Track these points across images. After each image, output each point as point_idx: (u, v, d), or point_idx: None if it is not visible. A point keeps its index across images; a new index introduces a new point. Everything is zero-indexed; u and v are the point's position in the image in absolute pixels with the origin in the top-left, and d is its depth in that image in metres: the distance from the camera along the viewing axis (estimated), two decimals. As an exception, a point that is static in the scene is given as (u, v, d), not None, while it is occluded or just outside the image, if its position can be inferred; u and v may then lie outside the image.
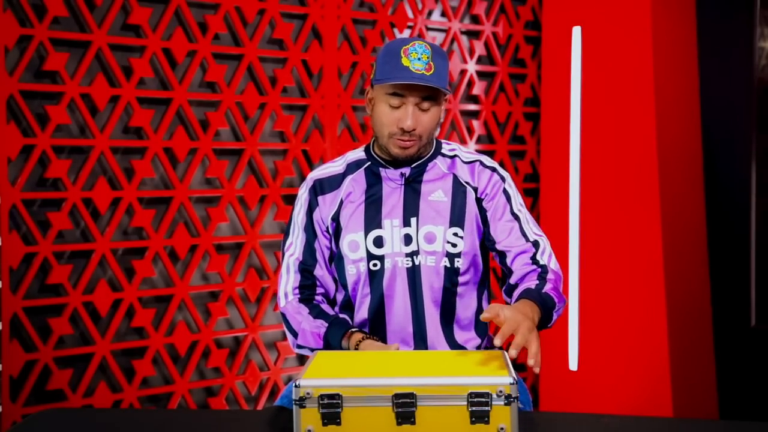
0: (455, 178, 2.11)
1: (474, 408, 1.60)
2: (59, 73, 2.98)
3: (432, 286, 2.06)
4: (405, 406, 1.60)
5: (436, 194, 2.09)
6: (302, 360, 3.53)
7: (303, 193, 2.16)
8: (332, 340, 2.02)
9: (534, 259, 2.04)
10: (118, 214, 3.08)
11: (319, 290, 2.14)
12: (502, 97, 4.01)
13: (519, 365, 4.00)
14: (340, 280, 2.13)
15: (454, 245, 2.06)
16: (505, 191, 2.10)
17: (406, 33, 3.75)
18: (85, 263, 3.05)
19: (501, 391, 1.60)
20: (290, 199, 3.46)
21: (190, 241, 3.24)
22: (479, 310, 2.12)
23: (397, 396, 1.60)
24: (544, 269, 2.01)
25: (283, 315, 2.12)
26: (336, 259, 2.12)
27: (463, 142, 3.86)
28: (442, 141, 2.18)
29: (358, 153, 2.17)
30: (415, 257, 2.06)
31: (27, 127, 2.94)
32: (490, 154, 3.92)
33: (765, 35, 3.85)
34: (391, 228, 2.07)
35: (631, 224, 3.60)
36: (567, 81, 3.79)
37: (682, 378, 3.54)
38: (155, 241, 3.16)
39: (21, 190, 2.91)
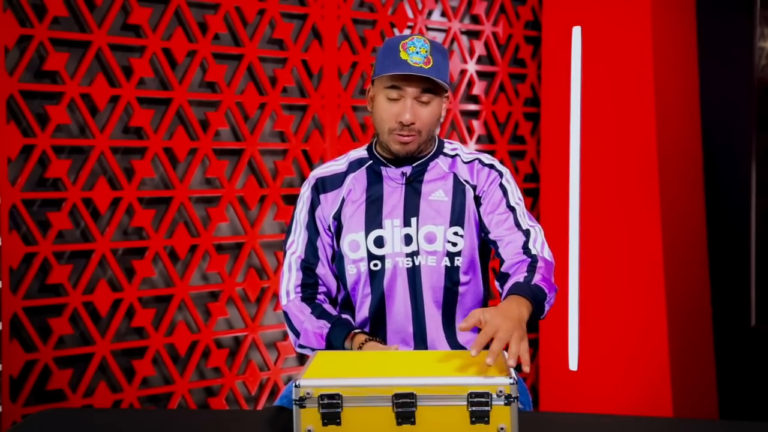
0: (455, 177, 2.11)
1: (474, 408, 1.60)
2: (59, 73, 2.98)
3: (433, 286, 2.06)
4: (405, 406, 1.60)
5: (436, 194, 2.09)
6: (302, 360, 3.53)
7: (305, 191, 2.16)
8: (335, 341, 2.02)
9: (525, 248, 2.02)
10: (118, 214, 3.08)
11: (321, 289, 2.14)
12: (502, 97, 4.01)
13: (519, 365, 4.00)
14: (340, 279, 2.13)
15: (454, 244, 2.06)
16: (501, 186, 2.09)
17: (406, 33, 3.75)
18: (85, 263, 3.05)
19: (501, 391, 1.60)
20: (290, 199, 3.46)
21: (190, 241, 3.24)
22: None
23: (397, 396, 1.60)
24: (534, 259, 1.98)
25: (285, 314, 2.12)
26: (337, 259, 2.12)
27: (463, 142, 3.86)
28: (445, 140, 2.18)
29: (361, 152, 2.17)
30: (415, 257, 2.06)
31: (27, 127, 2.94)
32: (490, 154, 3.91)
33: (765, 35, 3.85)
34: (392, 228, 2.07)
35: (631, 224, 3.60)
36: (567, 81, 3.79)
37: (682, 378, 3.54)
38: (155, 241, 3.16)
39: (21, 190, 2.91)
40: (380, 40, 3.65)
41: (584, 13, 3.76)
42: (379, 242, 2.07)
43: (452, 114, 3.85)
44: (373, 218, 2.08)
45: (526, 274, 1.93)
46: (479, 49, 3.92)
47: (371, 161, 2.13)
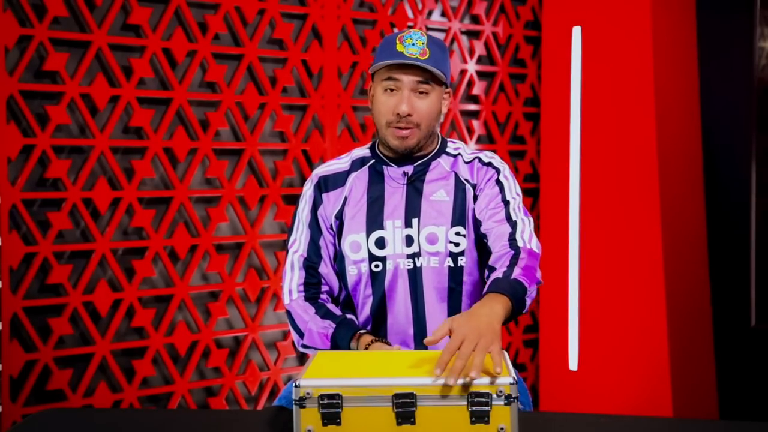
0: (457, 176, 2.10)
1: (474, 408, 1.60)
2: (59, 73, 2.98)
3: (437, 287, 2.05)
4: (405, 406, 1.60)
5: (438, 194, 2.08)
6: (302, 360, 3.53)
7: (308, 190, 2.15)
8: (341, 342, 2.01)
9: (512, 239, 1.98)
10: (118, 214, 3.08)
11: (324, 288, 2.13)
12: (502, 97, 4.01)
13: (519, 365, 4.00)
14: (341, 280, 2.12)
15: (456, 244, 2.05)
16: (498, 182, 2.07)
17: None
18: (85, 263, 3.05)
19: (501, 391, 1.60)
20: (290, 199, 3.46)
21: (190, 241, 3.24)
22: None
23: (397, 396, 1.60)
24: (517, 251, 1.94)
25: (289, 313, 2.11)
26: (338, 259, 2.12)
27: (463, 142, 3.85)
28: (448, 139, 2.17)
29: (364, 150, 2.16)
30: (416, 259, 2.05)
31: (27, 127, 2.94)
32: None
33: (765, 35, 3.85)
34: (393, 229, 2.06)
35: (631, 224, 3.60)
36: (567, 81, 3.79)
37: (682, 378, 3.54)
38: (155, 241, 3.16)
39: (21, 190, 2.91)
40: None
41: (584, 13, 3.76)
42: (380, 243, 2.06)
43: (452, 114, 3.85)
44: (374, 219, 2.07)
45: (506, 268, 1.89)
46: (479, 49, 3.92)
47: (373, 160, 2.13)
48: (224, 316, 3.33)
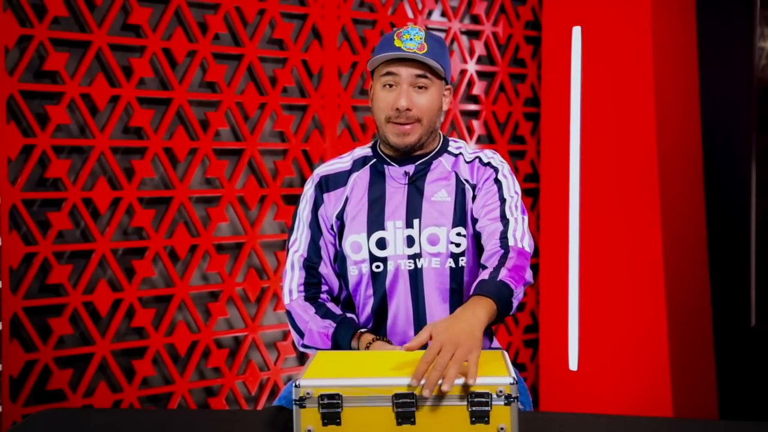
0: (457, 176, 2.09)
1: (474, 408, 1.60)
2: (59, 73, 2.98)
3: (439, 287, 2.04)
4: (405, 406, 1.60)
5: (439, 194, 2.07)
6: (302, 360, 3.53)
7: (309, 189, 2.14)
8: (341, 341, 2.01)
9: (503, 238, 1.96)
10: (118, 214, 3.08)
11: (324, 287, 2.13)
12: (502, 97, 4.01)
13: (519, 365, 4.00)
14: (342, 280, 2.12)
15: (457, 245, 2.04)
16: (497, 180, 2.06)
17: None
18: (85, 263, 3.05)
19: (501, 391, 1.60)
20: (290, 199, 3.46)
21: (190, 241, 3.24)
22: None
23: (397, 396, 1.60)
24: (506, 250, 1.92)
25: (289, 313, 2.11)
26: (339, 259, 2.11)
27: (464, 141, 3.85)
28: (450, 138, 2.16)
29: (365, 150, 2.15)
30: (417, 260, 2.04)
31: (27, 127, 2.94)
32: (490, 154, 3.91)
33: (765, 35, 3.85)
34: (394, 230, 2.05)
35: (631, 224, 3.60)
36: (567, 81, 3.79)
37: (682, 378, 3.54)
38: (155, 241, 3.16)
39: (21, 190, 2.91)
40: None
41: (584, 13, 3.76)
42: (381, 244, 2.05)
43: (452, 114, 3.85)
44: (375, 219, 2.06)
45: (492, 269, 1.87)
46: (479, 49, 3.92)
47: (375, 160, 2.12)
48: (224, 316, 3.33)
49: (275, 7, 3.39)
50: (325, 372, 1.69)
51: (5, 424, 2.84)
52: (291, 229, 2.15)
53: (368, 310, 2.08)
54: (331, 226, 2.11)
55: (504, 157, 3.98)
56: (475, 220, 2.04)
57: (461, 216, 2.05)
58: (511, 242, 1.94)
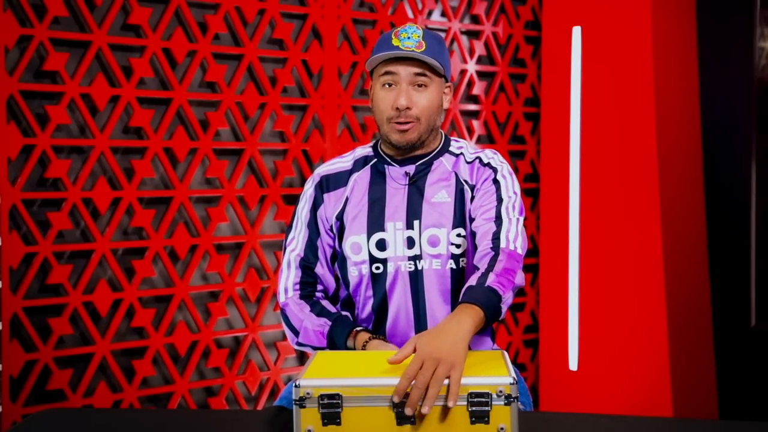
0: (457, 177, 2.08)
1: (474, 408, 1.60)
2: (59, 73, 2.98)
3: (440, 289, 2.03)
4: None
5: (439, 195, 2.06)
6: (302, 360, 3.53)
7: (309, 188, 2.13)
8: (337, 339, 2.01)
9: (495, 239, 1.93)
10: (118, 214, 3.08)
11: (320, 287, 2.13)
12: (502, 97, 4.01)
13: (519, 365, 4.00)
14: (343, 280, 2.11)
15: (458, 246, 2.03)
16: (495, 181, 2.04)
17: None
18: (85, 263, 3.05)
19: (501, 391, 1.60)
20: (290, 199, 3.46)
21: (190, 241, 3.24)
22: None
23: (397, 396, 1.61)
24: (497, 253, 1.89)
25: (283, 311, 2.10)
26: (339, 259, 2.11)
27: (465, 141, 3.85)
28: (452, 138, 2.15)
29: (366, 149, 2.14)
30: (417, 261, 2.03)
31: (27, 127, 2.94)
32: (490, 154, 3.91)
33: (765, 35, 3.85)
34: (394, 231, 2.04)
35: (631, 224, 3.60)
36: (567, 81, 3.79)
37: (682, 378, 3.54)
38: (155, 241, 3.16)
39: (21, 190, 2.91)
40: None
41: (584, 13, 3.76)
42: (381, 245, 2.04)
43: (452, 114, 3.85)
44: (375, 220, 2.05)
45: (480, 274, 1.84)
46: (479, 49, 3.92)
47: (375, 159, 2.11)
48: (224, 316, 3.33)
49: (275, 7, 3.39)
50: (325, 372, 1.69)
51: (5, 424, 2.84)
52: (289, 227, 2.15)
53: (368, 310, 2.08)
54: (331, 226, 2.10)
55: (504, 157, 3.97)
56: (472, 220, 2.04)
57: (461, 217, 2.04)
58: (502, 244, 1.92)
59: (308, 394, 1.60)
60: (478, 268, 1.89)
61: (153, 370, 3.18)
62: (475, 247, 2.02)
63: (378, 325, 2.08)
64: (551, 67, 3.90)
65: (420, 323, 2.05)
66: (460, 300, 1.80)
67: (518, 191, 2.05)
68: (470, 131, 3.92)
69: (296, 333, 2.07)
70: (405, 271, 2.04)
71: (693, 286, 3.70)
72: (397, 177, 2.08)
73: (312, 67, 3.50)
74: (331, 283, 2.14)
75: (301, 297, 2.10)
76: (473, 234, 2.01)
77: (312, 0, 3.48)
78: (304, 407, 1.61)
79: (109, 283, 3.09)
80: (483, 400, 1.60)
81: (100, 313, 3.07)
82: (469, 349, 2.05)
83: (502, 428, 1.60)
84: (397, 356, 1.66)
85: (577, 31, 3.77)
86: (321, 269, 2.11)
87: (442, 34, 3.83)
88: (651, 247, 3.53)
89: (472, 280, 1.83)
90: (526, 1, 4.03)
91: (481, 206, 2.02)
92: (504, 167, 2.08)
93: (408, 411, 1.58)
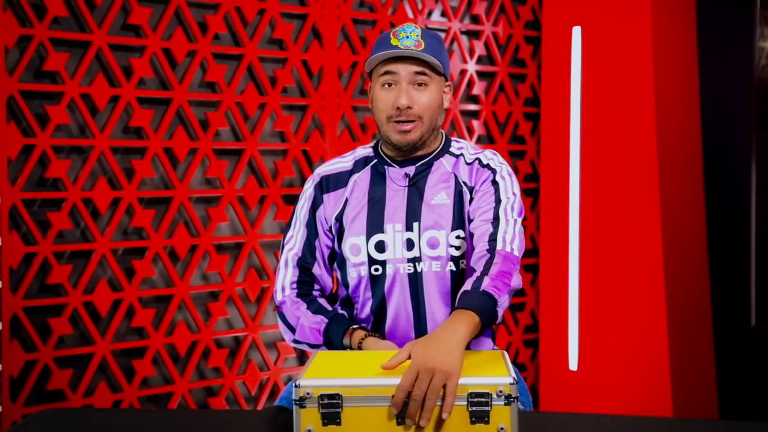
0: (456, 178, 2.07)
1: (474, 408, 1.60)
2: (59, 73, 2.98)
3: (440, 291, 2.03)
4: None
5: (439, 197, 2.05)
6: (302, 360, 3.53)
7: (308, 188, 2.13)
8: (333, 337, 2.01)
9: (492, 240, 1.92)
10: (118, 214, 3.08)
11: (316, 287, 2.12)
12: (502, 97, 4.01)
13: (519, 365, 4.00)
14: (342, 281, 2.11)
15: (457, 248, 2.02)
16: (494, 182, 2.03)
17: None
18: (85, 263, 3.05)
19: (501, 391, 1.60)
20: (290, 199, 3.46)
21: (190, 241, 3.24)
22: None
23: (397, 396, 1.61)
24: (492, 255, 1.87)
25: (280, 309, 2.10)
26: (338, 260, 2.11)
27: (466, 141, 3.85)
28: (453, 138, 2.14)
29: (367, 149, 2.14)
30: (417, 263, 2.02)
31: (27, 127, 2.94)
32: (490, 154, 3.91)
33: (765, 35, 3.85)
34: (394, 233, 2.03)
35: (631, 224, 3.60)
36: (567, 81, 3.79)
37: (682, 378, 3.54)
38: (155, 241, 3.16)
39: (21, 190, 2.91)
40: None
41: (584, 13, 3.76)
42: (380, 247, 2.04)
43: (452, 114, 3.85)
44: (375, 222, 2.04)
45: (475, 278, 1.83)
46: (479, 49, 3.92)
47: (376, 160, 2.10)
48: (224, 316, 3.33)
49: (275, 7, 3.39)
50: (325, 372, 1.69)
51: (5, 424, 2.84)
52: (288, 226, 2.14)
53: (367, 311, 2.08)
54: (330, 227, 2.10)
55: (504, 157, 3.98)
56: (470, 221, 2.03)
57: (460, 219, 2.03)
58: (498, 245, 1.90)
59: (308, 394, 1.61)
60: (474, 270, 1.88)
61: (153, 370, 3.18)
62: (472, 249, 2.02)
63: (377, 326, 2.07)
64: (551, 67, 3.90)
65: (420, 325, 2.04)
66: (455, 305, 1.79)
67: (518, 192, 2.04)
68: (470, 131, 3.92)
69: (293, 330, 2.07)
70: (404, 273, 2.03)
71: (693, 286, 3.70)
72: (397, 178, 2.07)
73: (312, 67, 3.50)
74: (328, 283, 2.14)
75: (298, 295, 2.10)
76: (471, 235, 2.00)
77: (312, 0, 3.48)
78: (304, 407, 1.61)
79: (109, 283, 3.09)
80: (483, 400, 1.60)
81: (100, 313, 3.07)
82: (469, 349, 2.06)
83: (502, 428, 1.60)
84: (391, 362, 1.66)
85: (577, 31, 3.77)
86: (318, 269, 2.11)
87: (442, 34, 3.83)
88: (651, 247, 3.53)
89: (467, 285, 1.82)
90: (526, 1, 4.03)
91: (480, 207, 2.01)
92: (503, 168, 2.06)
93: (408, 422, 1.59)
